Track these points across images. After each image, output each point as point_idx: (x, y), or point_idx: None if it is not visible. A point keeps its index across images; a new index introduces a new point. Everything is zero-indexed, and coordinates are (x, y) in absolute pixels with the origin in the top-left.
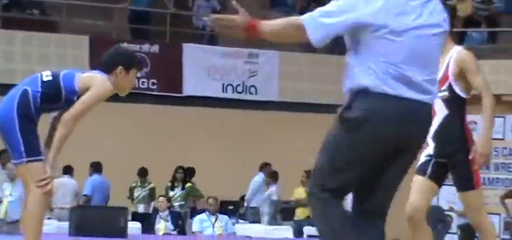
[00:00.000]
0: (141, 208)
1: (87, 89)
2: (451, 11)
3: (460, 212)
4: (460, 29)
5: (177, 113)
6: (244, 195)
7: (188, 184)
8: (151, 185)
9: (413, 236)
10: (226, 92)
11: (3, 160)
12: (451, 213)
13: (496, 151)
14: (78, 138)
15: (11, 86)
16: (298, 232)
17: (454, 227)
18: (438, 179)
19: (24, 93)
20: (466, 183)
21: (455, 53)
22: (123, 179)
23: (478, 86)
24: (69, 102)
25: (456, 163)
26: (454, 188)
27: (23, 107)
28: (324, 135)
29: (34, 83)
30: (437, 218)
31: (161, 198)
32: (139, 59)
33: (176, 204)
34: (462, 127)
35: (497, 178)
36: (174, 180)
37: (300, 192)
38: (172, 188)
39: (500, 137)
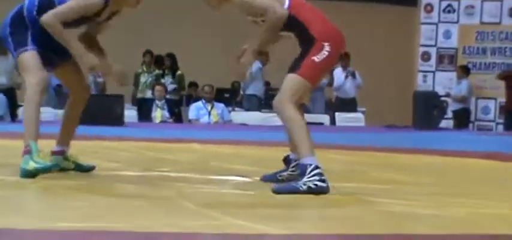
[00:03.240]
0: (148, 94)
1: None
2: None
3: (455, 98)
4: None
5: None
6: (234, 82)
7: (178, 72)
8: (156, 72)
9: None
10: None
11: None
12: (447, 99)
13: (493, 35)
14: None
15: None
16: None
17: (449, 112)
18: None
19: (20, 7)
20: (295, 68)
21: None
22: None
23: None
24: None
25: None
26: (450, 74)
27: (16, 16)
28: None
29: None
30: (433, 104)
31: (158, 86)
32: None
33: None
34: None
35: (494, 63)
36: (164, 67)
37: None
38: (162, 76)
39: (497, 21)
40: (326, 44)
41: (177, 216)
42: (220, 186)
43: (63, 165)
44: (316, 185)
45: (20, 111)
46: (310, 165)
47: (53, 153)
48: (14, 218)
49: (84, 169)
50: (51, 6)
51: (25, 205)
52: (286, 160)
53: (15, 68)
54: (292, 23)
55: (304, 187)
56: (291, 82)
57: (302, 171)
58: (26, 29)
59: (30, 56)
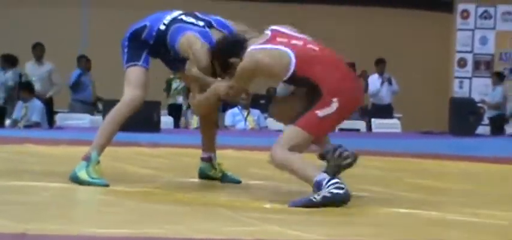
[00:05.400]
0: (180, 99)
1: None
2: None
3: (491, 105)
4: None
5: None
6: (270, 88)
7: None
8: None
9: None
10: None
11: (37, 52)
12: (483, 105)
13: None
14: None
15: None
16: None
17: (485, 119)
18: None
19: (139, 27)
20: (297, 119)
21: None
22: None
23: None
24: (178, 59)
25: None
26: (487, 80)
27: (136, 34)
28: (357, 28)
29: (157, 21)
30: (470, 110)
31: None
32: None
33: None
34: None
35: None
36: None
37: None
38: None
39: None
40: (334, 100)
41: (213, 222)
42: (256, 192)
43: (210, 174)
44: (331, 193)
45: (58, 118)
46: (324, 179)
47: (202, 159)
48: (49, 224)
49: (230, 180)
50: (165, 38)
51: (62, 211)
52: None
53: (49, 76)
54: (303, 82)
55: (318, 198)
56: (289, 132)
57: (317, 188)
58: (143, 47)
59: (137, 72)
